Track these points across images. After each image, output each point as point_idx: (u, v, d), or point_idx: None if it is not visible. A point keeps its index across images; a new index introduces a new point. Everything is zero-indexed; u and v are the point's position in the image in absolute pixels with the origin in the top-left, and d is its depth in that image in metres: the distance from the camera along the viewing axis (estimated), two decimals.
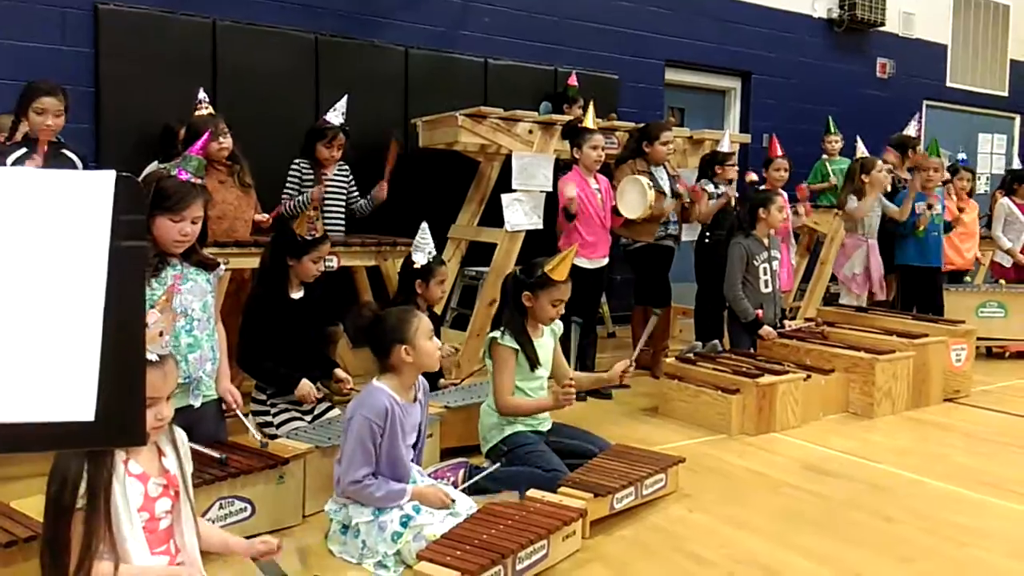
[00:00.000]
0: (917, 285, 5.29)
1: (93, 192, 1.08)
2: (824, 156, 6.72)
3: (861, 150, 5.35)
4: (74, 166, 3.51)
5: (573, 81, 6.01)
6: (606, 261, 4.39)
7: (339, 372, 3.29)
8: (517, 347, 2.85)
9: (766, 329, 4.36)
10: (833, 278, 5.80)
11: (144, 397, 1.12)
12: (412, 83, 5.75)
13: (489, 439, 2.93)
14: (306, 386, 3.11)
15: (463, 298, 5.67)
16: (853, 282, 5.19)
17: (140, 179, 2.81)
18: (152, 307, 1.94)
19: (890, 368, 4.03)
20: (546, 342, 3.00)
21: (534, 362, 2.89)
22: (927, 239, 5.26)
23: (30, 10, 4.54)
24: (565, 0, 6.44)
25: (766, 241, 4.46)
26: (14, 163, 3.33)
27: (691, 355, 4.19)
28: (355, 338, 2.52)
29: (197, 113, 3.96)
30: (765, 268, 4.42)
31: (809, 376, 3.87)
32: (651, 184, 4.29)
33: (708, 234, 5.02)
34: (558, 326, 3.08)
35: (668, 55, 7.04)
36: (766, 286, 4.43)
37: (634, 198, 4.34)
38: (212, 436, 2.60)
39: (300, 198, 4.33)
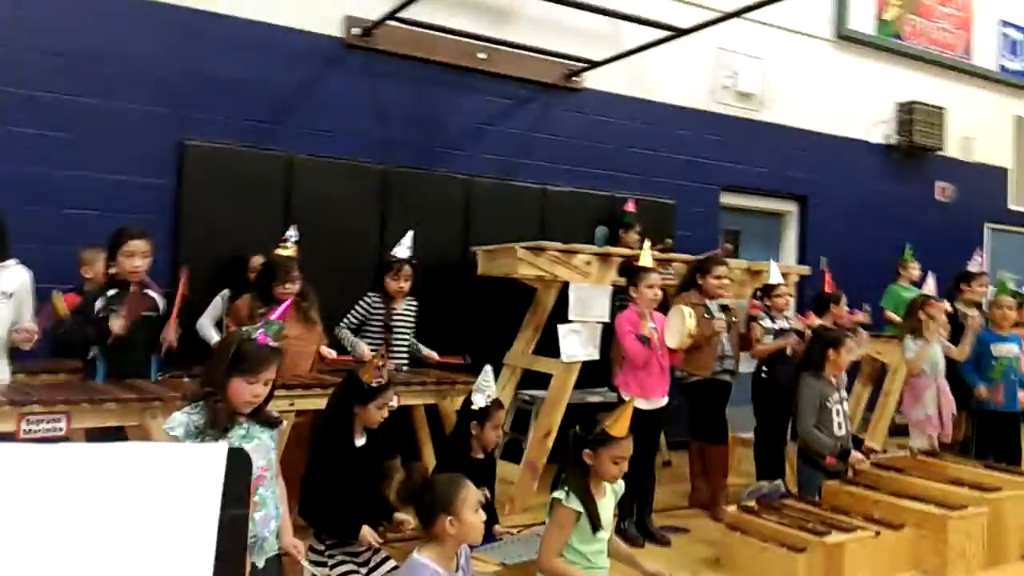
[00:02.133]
0: (994, 430, 5.09)
1: (205, 464, 1.15)
2: (899, 281, 6.66)
3: (929, 287, 5.27)
4: (156, 305, 3.69)
5: (630, 207, 6.12)
6: (664, 402, 4.35)
7: (398, 515, 3.29)
8: (581, 510, 2.81)
9: (856, 455, 4.22)
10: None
11: None
12: (473, 210, 5.94)
13: None
14: (368, 534, 3.12)
15: (516, 422, 5.66)
16: (928, 424, 5.00)
17: (222, 340, 2.93)
18: None
19: (963, 526, 3.84)
20: (608, 503, 2.96)
21: (597, 525, 2.84)
22: (1005, 382, 5.08)
23: (120, 145, 4.87)
24: (622, 129, 6.64)
25: (835, 381, 4.37)
26: (104, 304, 3.52)
27: (754, 503, 4.06)
28: (403, 499, 2.54)
29: (278, 250, 4.13)
30: (838, 410, 4.31)
31: (878, 533, 3.71)
32: (691, 313, 4.28)
33: (765, 369, 4.96)
34: (620, 486, 3.04)
35: (724, 180, 7.15)
36: (839, 428, 4.31)
37: (675, 326, 4.32)
38: None
39: (358, 348, 4.42)
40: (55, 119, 4.69)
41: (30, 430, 2.93)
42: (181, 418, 2.47)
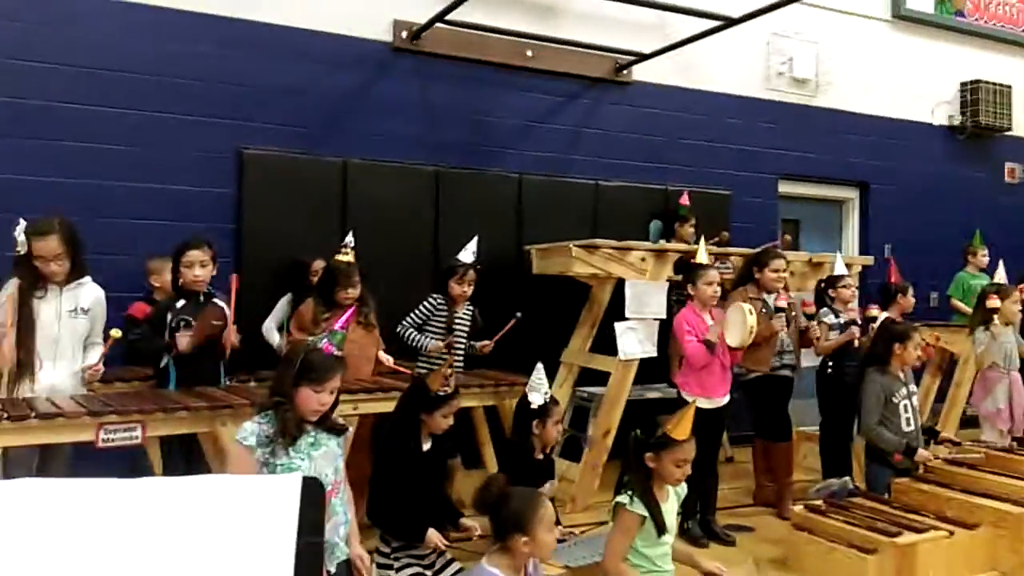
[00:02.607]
0: None
1: (280, 494, 1.18)
2: (967, 268, 6.48)
3: (1000, 275, 5.09)
4: (223, 312, 3.78)
5: (685, 200, 6.03)
6: (726, 400, 4.28)
7: (465, 521, 3.33)
8: (646, 514, 2.80)
9: (923, 453, 4.11)
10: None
11: None
12: (526, 208, 5.93)
13: None
14: (434, 536, 3.17)
15: (575, 419, 5.65)
16: (998, 418, 4.84)
17: (289, 351, 2.99)
18: None
19: None
20: (671, 506, 2.93)
21: (662, 528, 2.82)
22: None
23: (180, 156, 5.01)
24: (674, 120, 6.55)
25: (902, 376, 4.25)
26: (175, 316, 3.63)
27: (821, 502, 3.97)
28: (479, 510, 2.56)
29: (338, 256, 4.20)
30: (906, 405, 4.19)
31: (953, 533, 3.60)
32: (751, 310, 4.19)
33: (830, 363, 4.84)
34: (682, 488, 3.01)
35: (781, 168, 7.00)
36: (908, 424, 4.19)
37: (736, 325, 4.24)
38: None
39: (425, 342, 4.46)
40: (119, 133, 4.84)
41: (108, 439, 3.04)
42: (252, 427, 2.54)
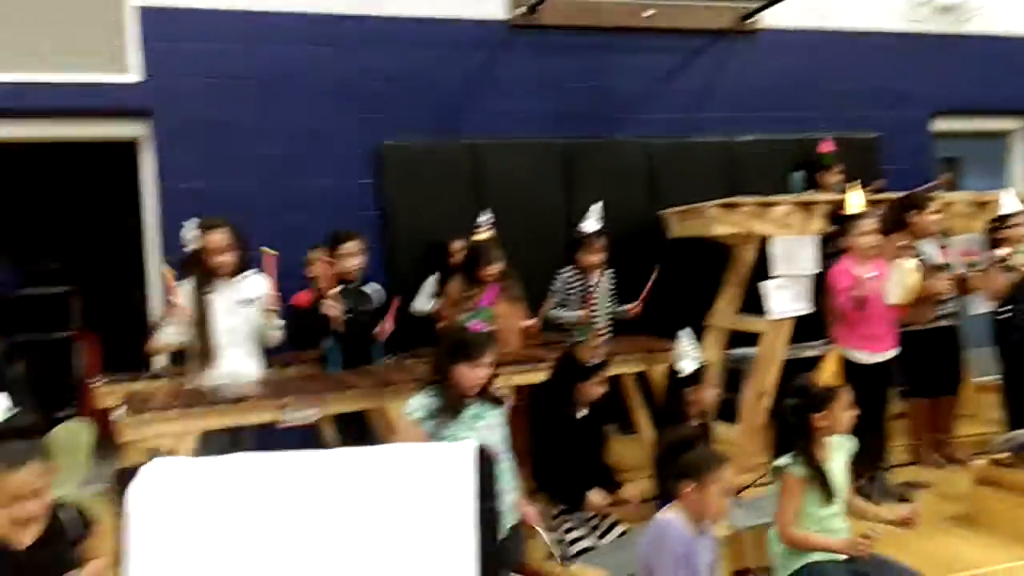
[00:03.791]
0: None
1: (456, 462, 1.24)
2: None
3: None
4: (370, 300, 3.98)
5: (828, 147, 5.70)
6: (892, 353, 4.04)
7: (624, 493, 3.36)
8: (807, 474, 2.72)
9: None
10: None
11: None
12: (657, 172, 5.82)
13: (784, 567, 2.79)
14: (596, 496, 3.22)
15: (729, 382, 5.50)
16: None
17: (441, 331, 3.12)
18: None
19: None
20: (837, 464, 2.83)
21: (829, 490, 2.73)
22: None
23: (326, 152, 5.28)
24: (808, 65, 6.22)
25: None
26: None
27: (1008, 455, 3.70)
28: (663, 449, 2.59)
29: (477, 236, 4.30)
30: None
31: None
32: (915, 266, 3.91)
33: (1006, 308, 4.46)
34: (851, 441, 2.90)
35: (934, 105, 6.50)
36: None
37: (896, 283, 3.96)
38: (515, 560, 2.75)
39: (569, 316, 4.49)
40: (268, 140, 5.15)
41: (288, 418, 3.29)
42: (419, 401, 2.67)
